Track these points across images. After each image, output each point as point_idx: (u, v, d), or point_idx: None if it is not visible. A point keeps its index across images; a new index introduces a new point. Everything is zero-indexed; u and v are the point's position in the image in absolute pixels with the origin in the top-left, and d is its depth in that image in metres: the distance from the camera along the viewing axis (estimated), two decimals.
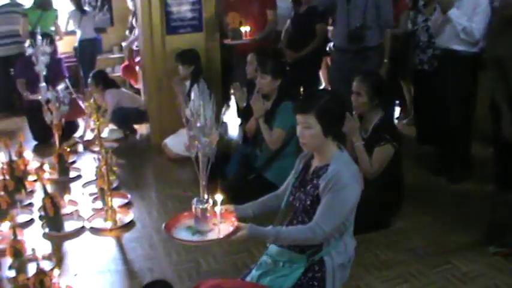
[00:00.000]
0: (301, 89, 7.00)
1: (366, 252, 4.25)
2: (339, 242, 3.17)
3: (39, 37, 6.76)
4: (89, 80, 7.62)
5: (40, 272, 3.73)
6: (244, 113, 5.55)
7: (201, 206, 2.94)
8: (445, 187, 5.47)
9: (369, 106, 4.48)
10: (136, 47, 8.66)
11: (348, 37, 5.76)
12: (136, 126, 7.90)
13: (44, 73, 6.78)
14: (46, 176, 5.95)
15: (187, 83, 6.56)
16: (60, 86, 7.26)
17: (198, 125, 2.93)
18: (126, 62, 9.31)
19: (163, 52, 6.95)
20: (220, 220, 2.93)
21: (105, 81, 7.59)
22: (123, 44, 9.84)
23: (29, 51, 7.09)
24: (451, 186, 5.46)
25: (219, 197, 2.96)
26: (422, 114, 6.50)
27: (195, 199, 2.96)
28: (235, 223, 2.93)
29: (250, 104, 5.14)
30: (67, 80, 7.92)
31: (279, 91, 4.94)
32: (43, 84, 6.70)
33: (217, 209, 2.95)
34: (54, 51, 8.14)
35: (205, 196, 2.98)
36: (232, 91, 5.71)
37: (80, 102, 7.72)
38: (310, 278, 3.13)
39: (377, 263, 4.15)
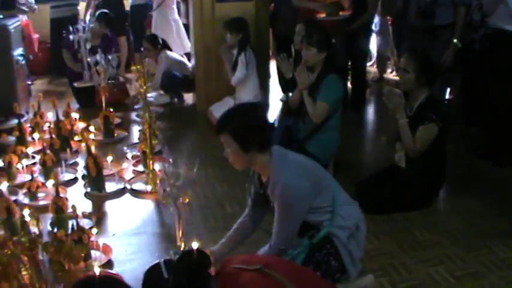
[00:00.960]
0: (349, 63, 6.95)
1: (403, 231, 4.22)
2: (334, 218, 3.21)
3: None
4: (144, 42, 7.66)
5: (79, 229, 3.81)
6: (289, 84, 5.52)
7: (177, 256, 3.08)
8: (489, 170, 5.33)
9: (416, 83, 4.39)
10: None
11: (418, 13, 5.64)
12: (183, 94, 7.93)
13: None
14: (91, 137, 6.08)
15: (235, 51, 6.56)
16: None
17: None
18: None
19: (212, 19, 6.97)
20: None
21: (159, 44, 7.64)
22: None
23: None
24: (494, 170, 5.34)
25: (195, 244, 3.01)
26: (470, 95, 6.36)
27: (173, 251, 3.24)
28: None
29: (295, 76, 5.12)
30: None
31: (324, 64, 4.89)
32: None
33: None
34: None
35: (181, 245, 3.29)
36: (278, 62, 5.65)
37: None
38: (325, 254, 3.22)
39: (413, 243, 4.09)
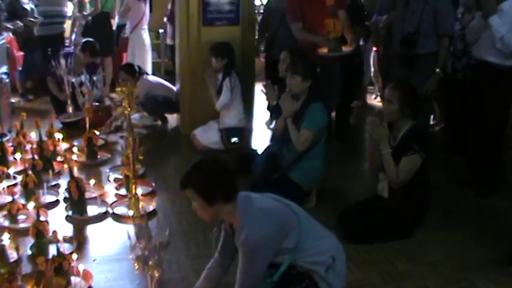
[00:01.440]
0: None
1: (385, 261, 4.23)
2: (303, 254, 3.23)
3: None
4: (121, 73, 7.51)
5: (59, 255, 3.78)
6: (273, 111, 5.54)
7: None
8: (472, 200, 5.36)
9: (400, 114, 4.41)
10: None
11: (400, 41, 5.74)
12: (167, 116, 7.91)
13: None
14: (74, 157, 6.05)
15: (220, 76, 6.57)
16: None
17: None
18: None
19: (198, 42, 6.97)
20: None
21: (136, 72, 7.56)
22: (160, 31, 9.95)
23: None
24: (477, 200, 5.36)
25: None
26: (454, 124, 6.41)
27: None
28: None
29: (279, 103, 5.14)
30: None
31: (309, 92, 4.92)
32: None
33: None
34: None
35: None
36: (263, 89, 5.66)
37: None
38: (304, 287, 3.24)
39: (395, 274, 4.09)
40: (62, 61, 6.90)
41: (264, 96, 5.74)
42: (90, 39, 7.69)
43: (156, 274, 3.29)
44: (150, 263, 3.19)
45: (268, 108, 5.78)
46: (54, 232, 3.98)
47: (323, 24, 5.70)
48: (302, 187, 5.00)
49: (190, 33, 6.95)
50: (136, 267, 3.21)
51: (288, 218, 3.23)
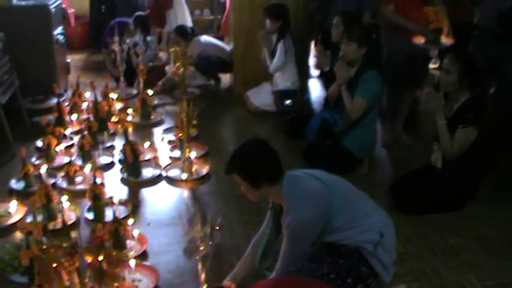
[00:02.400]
0: None
1: (435, 235, 4.19)
2: (350, 233, 3.25)
3: None
4: (174, 36, 7.56)
5: (116, 220, 3.89)
6: (326, 77, 5.51)
7: None
8: None
9: (457, 85, 4.32)
10: None
11: (500, 18, 5.16)
12: (220, 76, 7.93)
13: None
14: (128, 118, 6.15)
15: (274, 38, 6.54)
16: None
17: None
18: None
19: (253, 4, 6.93)
20: None
21: (189, 34, 7.56)
22: None
23: None
24: None
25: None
26: None
27: None
28: None
29: (333, 69, 5.11)
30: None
31: (364, 59, 4.87)
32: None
33: None
34: None
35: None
36: (315, 54, 5.62)
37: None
38: (354, 261, 3.26)
39: (445, 248, 4.05)
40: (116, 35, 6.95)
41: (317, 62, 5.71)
42: (140, 13, 7.73)
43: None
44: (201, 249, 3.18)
45: (321, 73, 5.73)
46: (111, 197, 4.10)
47: (420, 12, 5.47)
48: (355, 154, 5.00)
49: None
50: (188, 255, 3.24)
51: (333, 199, 3.21)
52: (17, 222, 4.30)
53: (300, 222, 3.10)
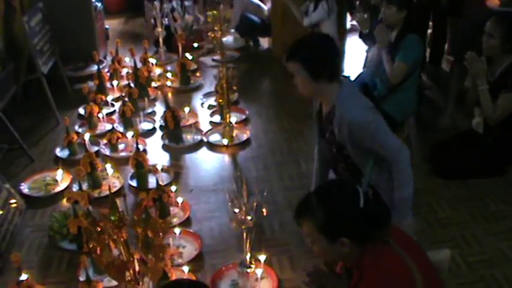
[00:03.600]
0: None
1: (476, 200, 4.18)
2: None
3: None
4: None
5: (159, 188, 3.96)
6: (366, 39, 5.46)
7: (245, 270, 3.36)
8: None
9: (500, 49, 4.24)
10: None
11: None
12: (259, 38, 7.91)
13: None
14: (168, 83, 6.20)
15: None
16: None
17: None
18: None
19: None
20: (262, 277, 3.34)
21: None
22: None
23: None
24: None
25: (262, 257, 3.28)
26: None
27: (239, 262, 3.38)
28: None
29: (372, 31, 5.05)
30: None
31: (404, 23, 4.80)
32: None
33: (259, 271, 3.30)
34: None
35: (248, 258, 3.35)
36: (355, 17, 5.56)
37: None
38: None
39: (486, 213, 4.04)
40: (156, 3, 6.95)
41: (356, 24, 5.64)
42: None
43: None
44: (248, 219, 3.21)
45: (361, 35, 5.66)
46: (154, 165, 4.17)
47: None
48: (395, 118, 4.97)
49: None
50: (233, 226, 3.27)
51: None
52: (63, 190, 4.43)
53: (371, 119, 3.04)
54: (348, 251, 2.33)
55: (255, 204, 3.18)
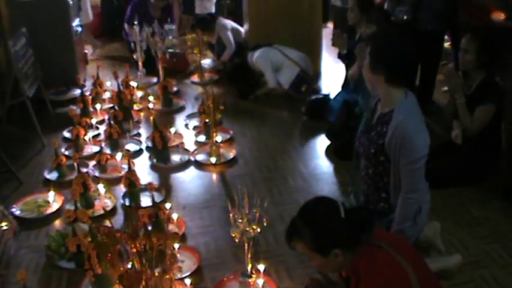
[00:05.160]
0: None
1: (459, 207, 4.37)
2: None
3: None
4: (198, 31, 7.45)
5: (155, 204, 4.03)
6: (346, 59, 5.65)
7: (246, 279, 3.44)
8: None
9: (475, 64, 4.47)
10: None
11: None
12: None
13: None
14: (150, 106, 6.31)
15: None
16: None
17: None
18: None
19: None
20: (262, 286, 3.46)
21: (212, 23, 7.70)
22: None
23: None
24: None
25: (261, 266, 3.39)
26: None
27: (240, 272, 3.47)
28: None
29: (351, 50, 5.24)
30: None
31: None
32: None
33: (260, 281, 3.43)
34: None
35: (249, 269, 3.44)
36: (332, 37, 5.78)
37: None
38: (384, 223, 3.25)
39: (469, 219, 4.23)
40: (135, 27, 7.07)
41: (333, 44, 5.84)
42: None
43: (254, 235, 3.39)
44: (249, 231, 3.33)
45: (339, 56, 5.86)
46: (150, 183, 4.26)
47: None
48: None
49: None
50: (235, 238, 3.36)
51: None
52: (56, 211, 4.50)
53: (413, 140, 3.03)
54: (342, 260, 2.53)
55: (257, 214, 3.27)
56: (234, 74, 7.19)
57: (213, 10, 9.00)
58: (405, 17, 5.71)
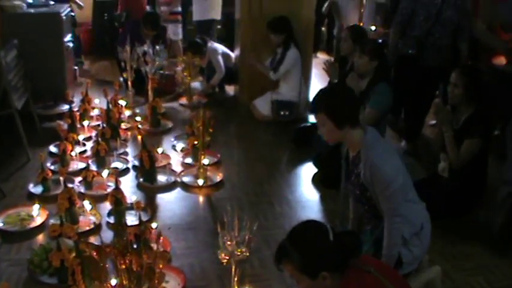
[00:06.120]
0: None
1: (444, 239, 4.37)
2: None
3: None
4: (189, 54, 7.49)
5: (141, 223, 4.00)
6: None
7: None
8: None
9: (464, 99, 4.54)
10: None
11: None
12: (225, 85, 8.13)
13: None
14: (138, 126, 6.30)
15: (280, 50, 6.72)
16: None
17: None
18: None
19: (260, 14, 7.07)
20: None
21: (204, 46, 7.75)
22: None
23: None
24: None
25: None
26: None
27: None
28: None
29: (342, 80, 5.29)
30: None
31: (376, 72, 5.05)
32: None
33: None
34: None
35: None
36: (324, 67, 5.83)
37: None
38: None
39: (454, 252, 4.26)
40: (127, 46, 7.09)
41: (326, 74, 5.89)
42: (150, 12, 7.87)
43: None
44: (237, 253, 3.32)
45: (329, 84, 5.92)
46: (138, 201, 4.23)
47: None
48: None
49: (251, 6, 7.08)
50: (223, 260, 3.35)
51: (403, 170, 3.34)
52: (39, 225, 4.45)
53: (390, 170, 3.19)
54: (330, 283, 2.55)
55: (247, 237, 3.27)
56: None
57: (219, 17, 9.12)
58: (410, 51, 5.81)
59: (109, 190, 4.79)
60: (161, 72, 7.33)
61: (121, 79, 7.57)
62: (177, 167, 5.54)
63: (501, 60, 5.58)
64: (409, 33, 5.83)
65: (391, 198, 3.21)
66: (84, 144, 5.88)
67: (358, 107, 3.42)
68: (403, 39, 5.88)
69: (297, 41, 6.79)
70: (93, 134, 6.00)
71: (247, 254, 3.33)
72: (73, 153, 5.51)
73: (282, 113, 6.75)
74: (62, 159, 5.41)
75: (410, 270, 3.44)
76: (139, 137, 5.45)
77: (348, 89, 3.44)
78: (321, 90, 3.43)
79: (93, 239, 4.25)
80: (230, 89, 8.14)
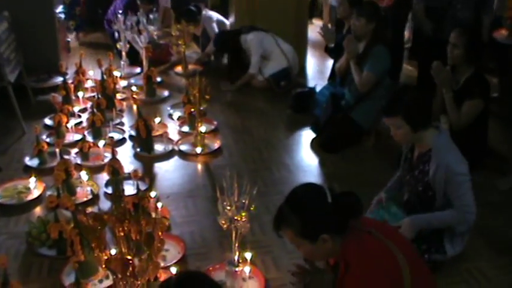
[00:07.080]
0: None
1: None
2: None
3: None
4: (183, 23, 7.34)
5: (139, 193, 3.96)
6: (333, 53, 5.63)
7: (232, 268, 3.36)
8: None
9: (464, 59, 4.47)
10: None
11: None
12: None
13: None
14: (134, 95, 6.22)
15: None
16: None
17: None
18: None
19: None
20: (249, 277, 3.42)
21: (198, 14, 7.60)
22: None
23: None
24: None
25: (248, 254, 3.35)
26: None
27: (227, 261, 3.37)
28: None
29: (339, 44, 5.22)
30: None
31: (373, 34, 4.98)
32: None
33: (247, 269, 3.37)
34: None
35: (236, 258, 3.35)
36: (320, 31, 5.76)
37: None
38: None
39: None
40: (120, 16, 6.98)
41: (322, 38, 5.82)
42: None
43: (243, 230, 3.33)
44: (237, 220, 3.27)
45: (326, 49, 5.85)
46: (135, 171, 4.19)
47: None
48: (362, 127, 5.13)
49: None
50: (223, 225, 3.30)
51: None
52: (36, 198, 4.43)
53: (463, 169, 3.37)
54: (331, 246, 2.51)
55: (246, 201, 3.22)
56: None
57: None
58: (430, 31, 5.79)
59: (106, 161, 4.74)
60: (155, 41, 7.22)
61: (115, 50, 7.45)
62: (174, 136, 5.48)
63: (502, 33, 5.61)
64: (429, 3, 5.74)
65: (465, 196, 3.36)
66: (79, 116, 5.80)
67: (431, 110, 3.48)
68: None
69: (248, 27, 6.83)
70: (89, 105, 5.92)
71: (247, 216, 3.28)
72: (68, 125, 5.44)
73: (281, 83, 6.65)
74: (57, 131, 5.35)
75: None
76: (135, 107, 5.38)
77: (423, 93, 3.54)
78: (397, 92, 3.52)
79: (91, 210, 4.20)
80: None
